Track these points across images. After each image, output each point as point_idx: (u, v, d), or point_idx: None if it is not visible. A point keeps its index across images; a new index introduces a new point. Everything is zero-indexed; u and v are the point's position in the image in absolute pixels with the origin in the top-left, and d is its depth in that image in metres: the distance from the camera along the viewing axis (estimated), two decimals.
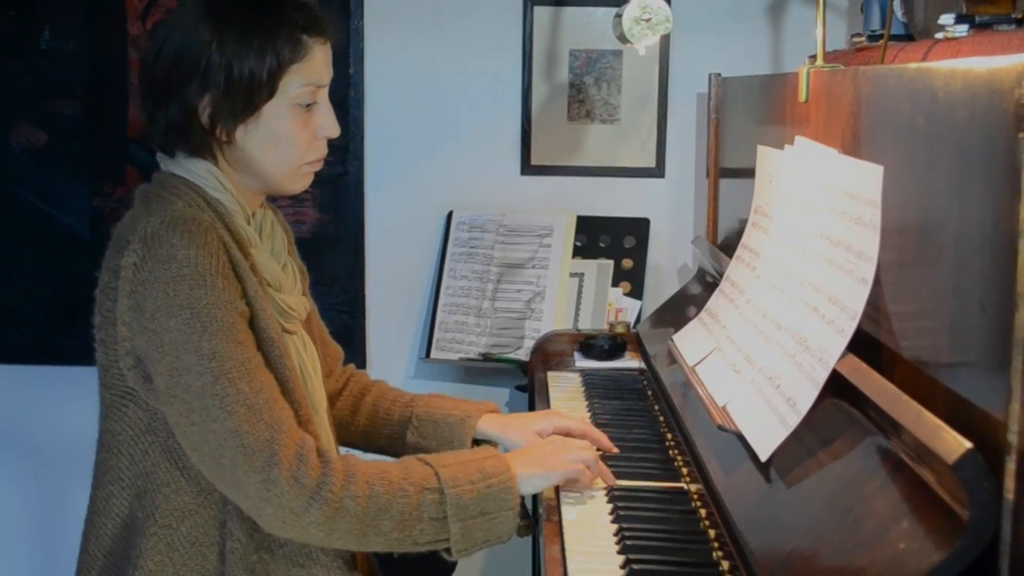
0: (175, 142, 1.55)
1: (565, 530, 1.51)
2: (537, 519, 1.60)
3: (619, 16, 2.17)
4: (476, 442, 1.82)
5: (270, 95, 1.51)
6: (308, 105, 1.56)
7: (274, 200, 1.76)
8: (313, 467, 1.42)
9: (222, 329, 1.42)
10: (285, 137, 1.54)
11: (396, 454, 1.86)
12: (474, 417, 1.80)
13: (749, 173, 1.97)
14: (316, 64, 1.55)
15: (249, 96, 1.50)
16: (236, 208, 1.56)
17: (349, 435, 1.89)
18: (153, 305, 1.42)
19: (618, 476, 1.68)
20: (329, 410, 1.74)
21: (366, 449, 1.91)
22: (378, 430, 1.86)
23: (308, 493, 1.40)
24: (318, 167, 1.62)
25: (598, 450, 1.79)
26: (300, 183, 1.61)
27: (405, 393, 1.90)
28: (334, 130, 1.59)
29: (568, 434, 1.78)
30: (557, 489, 1.62)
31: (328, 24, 1.58)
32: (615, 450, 1.78)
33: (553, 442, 1.66)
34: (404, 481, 1.46)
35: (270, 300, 1.56)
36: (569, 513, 1.57)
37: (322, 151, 1.60)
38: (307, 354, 1.65)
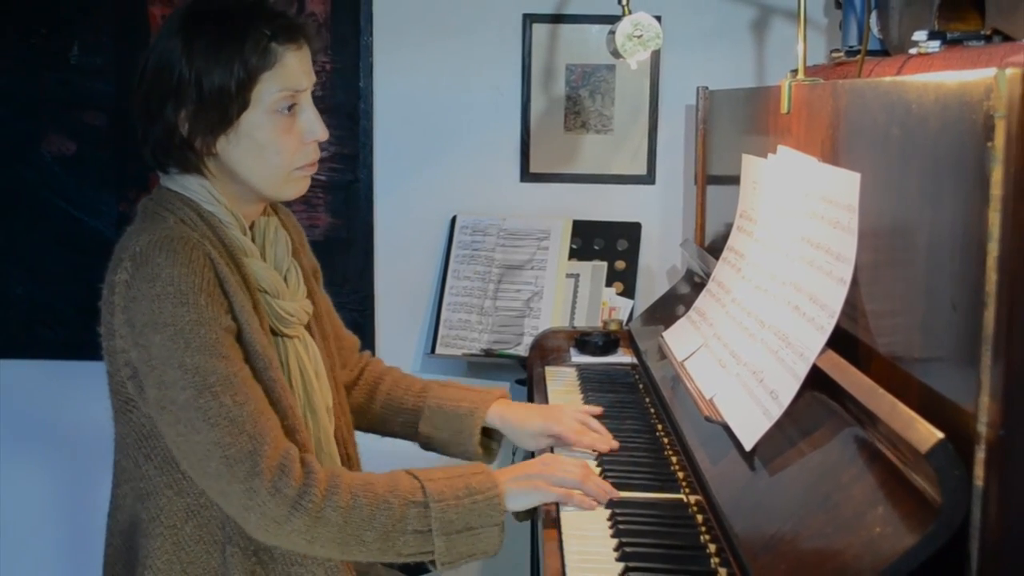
0: (163, 160, 1.51)
1: (562, 516, 1.50)
2: (535, 506, 1.60)
3: (612, 33, 2.17)
4: (484, 432, 1.81)
5: (243, 105, 1.46)
6: (291, 109, 1.50)
7: (288, 205, 1.74)
8: (295, 477, 1.38)
9: (205, 345, 1.39)
10: (269, 144, 1.49)
11: (411, 439, 1.85)
12: (482, 409, 1.79)
13: (734, 180, 1.97)
14: (290, 70, 1.48)
15: (222, 108, 1.45)
16: (230, 220, 1.52)
17: (366, 421, 1.87)
18: (141, 321, 1.40)
19: (611, 465, 1.67)
20: (337, 406, 1.70)
21: (383, 434, 1.89)
22: (392, 418, 1.84)
23: (289, 503, 1.37)
24: (311, 171, 1.56)
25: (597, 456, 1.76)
26: (293, 189, 1.55)
27: (417, 380, 1.87)
28: (321, 133, 1.52)
29: (561, 438, 1.76)
30: None
31: (305, 29, 1.52)
32: (615, 445, 1.73)
33: (544, 461, 1.58)
34: (389, 494, 1.42)
35: (267, 307, 1.53)
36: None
37: (312, 155, 1.54)
38: (308, 356, 1.61)
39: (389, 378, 1.88)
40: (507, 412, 1.81)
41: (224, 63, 1.44)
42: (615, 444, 1.75)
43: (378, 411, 1.85)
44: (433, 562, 1.45)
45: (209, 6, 1.50)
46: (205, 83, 1.44)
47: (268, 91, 1.47)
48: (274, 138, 1.49)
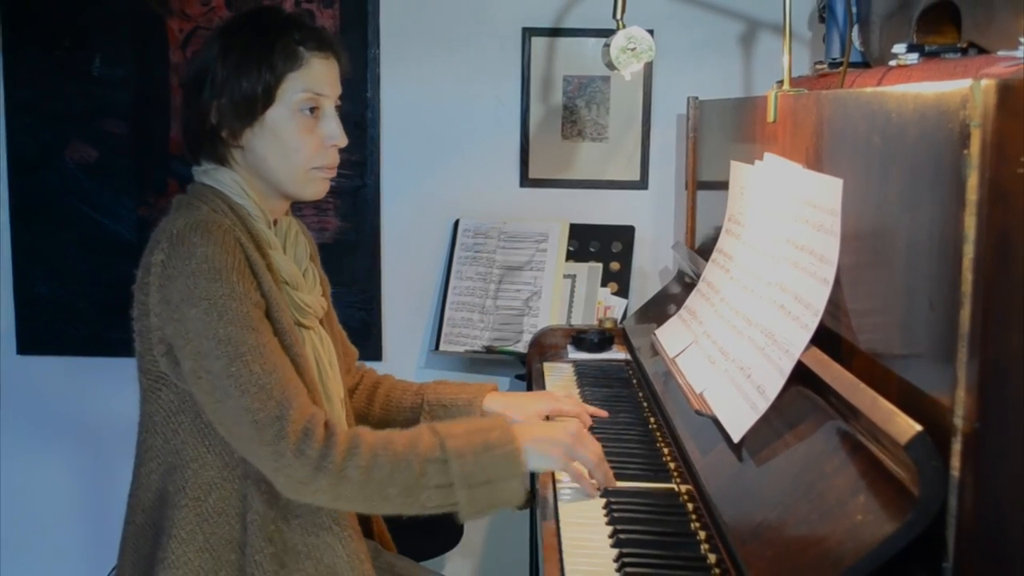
0: (195, 150, 1.57)
1: (559, 505, 1.50)
2: (535, 493, 1.60)
3: (607, 45, 2.17)
4: None
5: (268, 102, 1.51)
6: (313, 112, 1.54)
7: (299, 210, 1.75)
8: (317, 440, 1.40)
9: (237, 317, 1.42)
10: (289, 140, 1.53)
11: None
12: (479, 399, 1.80)
13: (723, 186, 1.97)
14: (315, 74, 1.54)
15: (250, 102, 1.51)
16: (257, 213, 1.56)
17: (367, 424, 1.87)
18: (177, 297, 1.43)
19: (606, 456, 1.67)
20: (347, 399, 1.73)
21: None
22: (392, 417, 1.84)
23: (312, 464, 1.39)
24: (330, 174, 1.60)
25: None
26: (313, 188, 1.59)
27: (412, 383, 1.88)
28: (340, 138, 1.57)
29: (562, 414, 1.79)
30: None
31: (333, 44, 1.58)
32: (605, 414, 1.83)
33: (570, 431, 1.55)
34: (409, 452, 1.43)
35: (287, 297, 1.55)
36: (563, 489, 1.56)
37: (331, 159, 1.58)
38: (323, 348, 1.64)
39: (386, 382, 1.89)
40: (507, 397, 1.83)
41: (254, 60, 1.51)
42: (604, 413, 1.84)
43: (378, 413, 1.85)
44: (458, 513, 1.45)
45: (250, 18, 1.58)
46: (236, 80, 1.50)
47: (292, 90, 1.52)
48: (295, 136, 1.54)
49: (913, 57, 1.56)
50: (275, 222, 1.61)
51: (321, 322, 1.68)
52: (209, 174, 1.57)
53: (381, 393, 1.86)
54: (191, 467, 1.50)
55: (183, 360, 1.44)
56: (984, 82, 0.91)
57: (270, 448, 1.39)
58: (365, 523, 1.71)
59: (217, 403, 1.42)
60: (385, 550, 1.79)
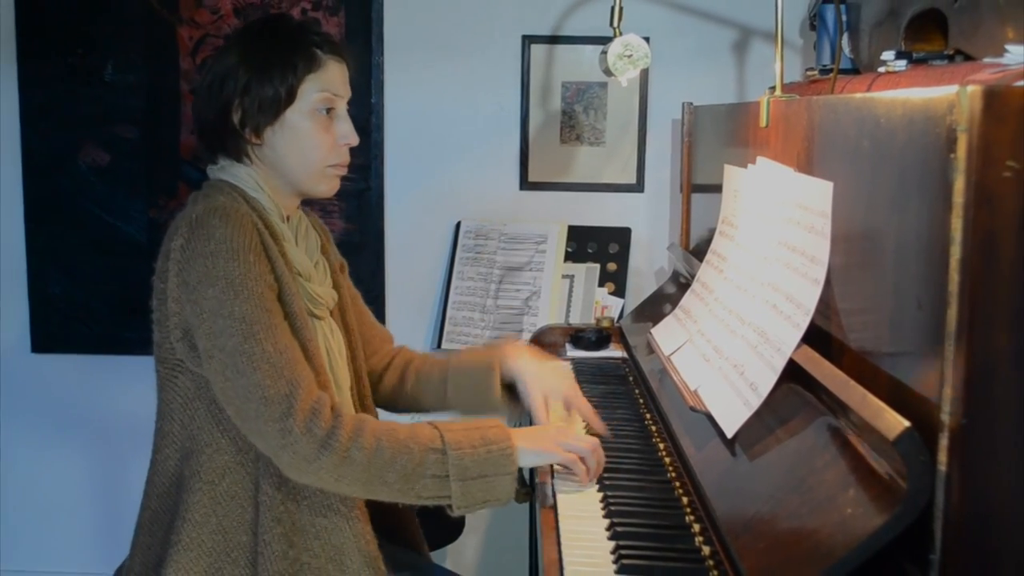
0: (216, 147, 1.58)
1: (558, 498, 1.50)
2: (534, 488, 1.60)
3: (604, 53, 2.17)
4: (508, 388, 1.78)
5: (290, 101, 1.54)
6: (328, 112, 1.58)
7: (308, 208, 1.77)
8: (325, 420, 1.41)
9: (252, 297, 1.43)
10: (308, 139, 1.56)
11: (445, 410, 1.85)
12: (496, 364, 1.76)
13: (717, 188, 1.97)
14: (331, 75, 1.58)
15: (273, 101, 1.53)
16: (271, 207, 1.57)
17: (402, 402, 1.87)
18: (195, 278, 1.44)
19: (603, 451, 1.67)
20: (354, 388, 1.73)
21: (418, 411, 1.88)
22: (423, 391, 1.84)
23: (318, 442, 1.39)
24: (342, 172, 1.63)
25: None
26: (327, 185, 1.62)
27: (442, 359, 1.87)
28: (353, 137, 1.61)
29: (569, 409, 1.76)
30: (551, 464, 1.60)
31: (344, 49, 1.61)
32: (606, 433, 1.71)
33: (559, 428, 1.59)
34: (410, 440, 1.44)
35: (299, 287, 1.56)
36: (561, 483, 1.56)
37: (344, 157, 1.62)
38: (334, 339, 1.66)
39: (418, 360, 1.89)
40: (522, 366, 1.77)
41: (276, 62, 1.54)
42: (607, 432, 1.72)
43: (410, 390, 1.86)
44: (450, 507, 1.46)
45: (264, 24, 1.61)
46: (260, 78, 1.53)
47: (311, 91, 1.55)
48: (313, 134, 1.57)
49: (901, 64, 1.56)
50: (287, 218, 1.63)
51: (332, 313, 1.69)
52: (226, 170, 1.59)
53: (412, 370, 1.86)
54: (206, 452, 1.51)
55: (198, 340, 1.45)
56: (970, 88, 0.91)
57: (278, 425, 1.39)
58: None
59: (228, 381, 1.42)
60: (388, 543, 1.79)
